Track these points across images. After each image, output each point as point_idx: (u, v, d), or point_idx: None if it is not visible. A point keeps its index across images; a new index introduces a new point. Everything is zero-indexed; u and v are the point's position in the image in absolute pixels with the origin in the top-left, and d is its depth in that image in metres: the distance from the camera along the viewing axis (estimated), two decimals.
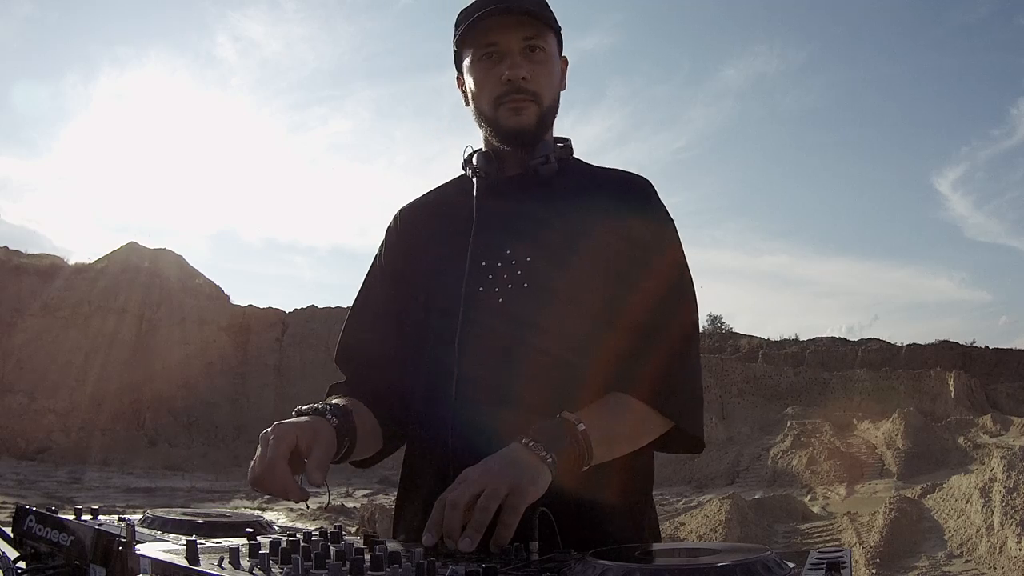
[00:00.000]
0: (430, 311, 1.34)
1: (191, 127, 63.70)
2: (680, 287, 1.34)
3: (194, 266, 25.11)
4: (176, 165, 60.18)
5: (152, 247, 24.30)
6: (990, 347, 28.31)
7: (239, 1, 64.27)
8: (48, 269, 22.82)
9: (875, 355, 27.07)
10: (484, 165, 1.35)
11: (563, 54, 1.40)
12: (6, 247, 22.95)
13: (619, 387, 1.25)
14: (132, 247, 23.93)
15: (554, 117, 1.35)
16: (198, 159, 61.95)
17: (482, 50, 1.31)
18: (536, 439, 1.11)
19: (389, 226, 1.46)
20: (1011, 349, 28.07)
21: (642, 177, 1.38)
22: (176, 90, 57.65)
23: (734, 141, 68.77)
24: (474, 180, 1.36)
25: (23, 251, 23.24)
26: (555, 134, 1.40)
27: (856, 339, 29.64)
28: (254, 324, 24.45)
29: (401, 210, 1.46)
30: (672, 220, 1.37)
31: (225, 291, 25.19)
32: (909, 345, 27.45)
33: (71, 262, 23.58)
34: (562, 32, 1.39)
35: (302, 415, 1.19)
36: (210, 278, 25.17)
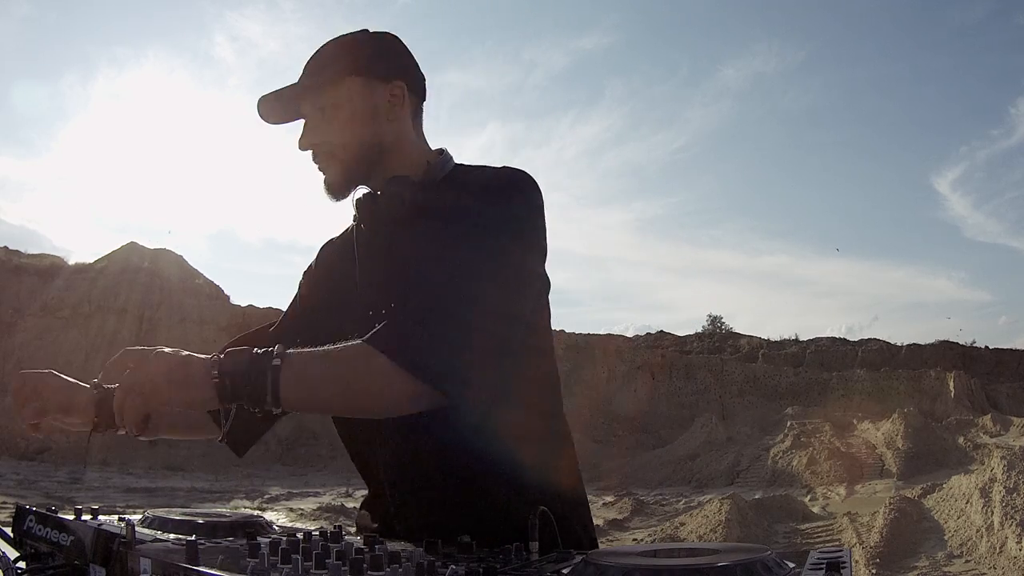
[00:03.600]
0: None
1: (190, 127, 63.72)
2: (467, 253, 1.19)
3: (194, 266, 25.14)
4: (175, 165, 60.14)
5: (152, 247, 24.33)
6: (990, 347, 28.31)
7: (237, 1, 64.35)
8: (48, 269, 22.82)
9: (875, 355, 27.09)
10: (358, 204, 1.38)
11: (395, 80, 1.34)
12: (6, 247, 22.96)
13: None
14: (132, 247, 23.94)
15: (373, 157, 1.32)
16: (197, 159, 61.94)
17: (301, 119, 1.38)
18: (223, 362, 1.08)
19: (324, 246, 1.53)
20: (1011, 349, 28.11)
21: (508, 172, 1.29)
22: (174, 90, 57.62)
23: (733, 141, 68.77)
24: (355, 223, 1.41)
25: (23, 251, 23.27)
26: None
27: (856, 339, 29.68)
28: (254, 324, 24.05)
29: (324, 244, 1.52)
30: (506, 201, 1.25)
31: (225, 291, 25.21)
32: (909, 345, 27.48)
33: (71, 262, 23.59)
34: (385, 62, 1.35)
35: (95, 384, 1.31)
36: (210, 278, 25.21)
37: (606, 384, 26.09)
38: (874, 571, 8.21)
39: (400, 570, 0.84)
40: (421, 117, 1.39)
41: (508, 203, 1.25)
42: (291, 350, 1.09)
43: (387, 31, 1.39)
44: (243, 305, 24.93)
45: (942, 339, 27.91)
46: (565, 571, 0.88)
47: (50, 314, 21.86)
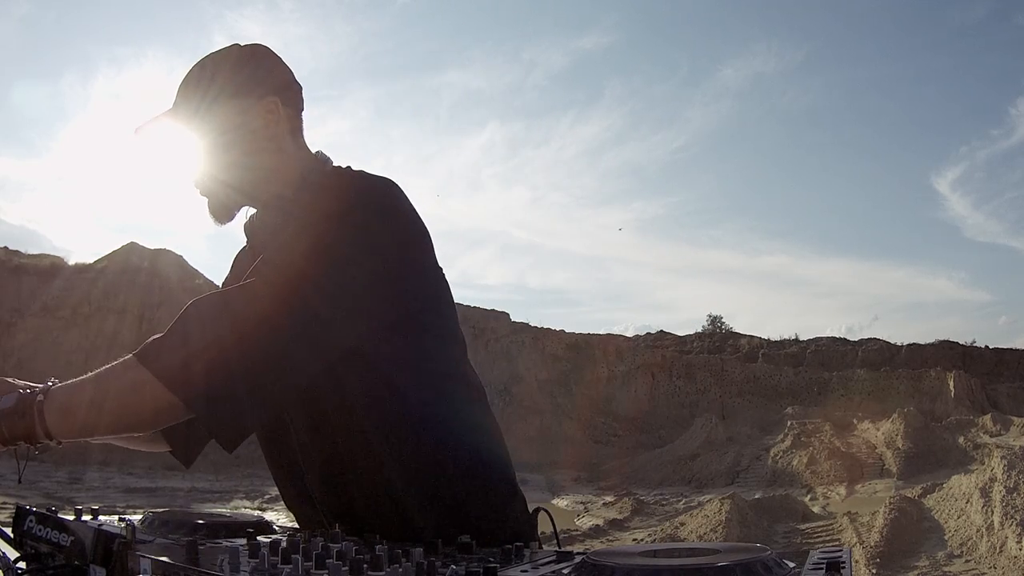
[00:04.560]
0: None
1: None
2: (264, 271, 1.17)
3: (194, 266, 25.15)
4: (175, 165, 60.10)
5: (152, 247, 24.34)
6: (990, 347, 28.32)
7: (236, 1, 64.36)
8: (48, 269, 22.84)
9: (875, 355, 27.10)
10: (245, 228, 1.38)
11: (267, 97, 1.31)
12: (6, 247, 22.97)
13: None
14: (132, 247, 23.95)
15: (254, 176, 1.31)
16: (196, 159, 61.93)
17: None
18: None
19: (235, 257, 1.49)
20: (1011, 349, 28.11)
21: (334, 180, 1.28)
22: (174, 90, 57.57)
23: (733, 141, 68.72)
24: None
25: (23, 251, 23.28)
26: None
27: (856, 339, 29.69)
28: None
29: (236, 255, 1.48)
30: (318, 217, 1.20)
31: None
32: (909, 345, 27.49)
33: (71, 262, 23.61)
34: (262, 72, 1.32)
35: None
36: (210, 278, 25.21)
37: (606, 384, 26.09)
38: (874, 571, 8.21)
39: (400, 570, 0.84)
40: (301, 128, 1.36)
41: (326, 219, 1.20)
42: (65, 382, 1.11)
43: (258, 44, 1.36)
44: None
45: (942, 339, 27.93)
46: (565, 571, 0.88)
47: (50, 314, 21.87)
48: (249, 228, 1.37)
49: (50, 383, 1.12)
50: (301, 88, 1.38)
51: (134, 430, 1.17)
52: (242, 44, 1.36)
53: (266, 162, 1.32)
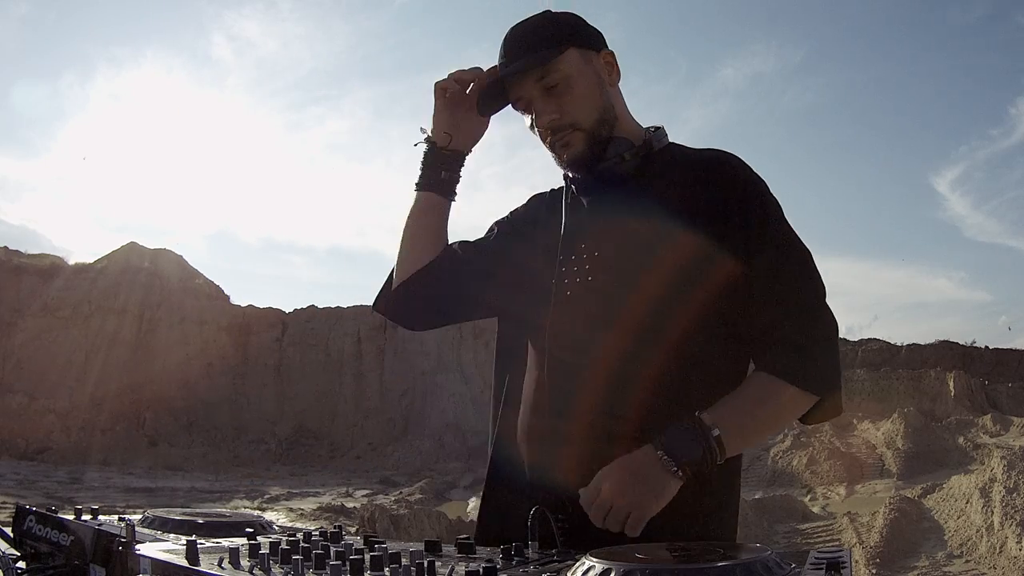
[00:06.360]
0: (522, 302, 1.40)
1: (188, 127, 63.69)
2: (788, 256, 1.32)
3: (194, 266, 25.14)
4: (174, 165, 60.16)
5: (152, 247, 24.33)
6: (990, 347, 28.30)
7: (235, 0, 64.31)
8: (48, 269, 22.84)
9: (875, 355, 27.09)
10: (575, 162, 1.39)
11: (603, 49, 1.38)
12: (6, 247, 22.97)
13: (761, 365, 1.28)
14: (132, 247, 23.95)
15: (611, 122, 1.35)
16: (196, 159, 61.88)
17: (514, 103, 1.38)
18: (668, 450, 1.17)
19: (533, 197, 1.53)
20: (1011, 349, 28.08)
21: (730, 156, 1.36)
22: (173, 90, 57.63)
23: (732, 141, 68.82)
24: (568, 184, 1.42)
25: (23, 251, 23.29)
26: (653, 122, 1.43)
27: (856, 339, 29.64)
28: (254, 324, 24.43)
29: (544, 192, 1.52)
30: (766, 194, 1.34)
31: (225, 291, 25.21)
32: (909, 345, 27.46)
33: (71, 262, 23.62)
34: (582, 29, 1.39)
35: None
36: (210, 278, 25.21)
37: None
38: (874, 571, 8.21)
39: (400, 570, 0.84)
40: None
41: (769, 193, 1.34)
42: (713, 412, 1.21)
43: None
44: (243, 305, 24.97)
45: (942, 339, 27.91)
46: (565, 571, 0.88)
47: (50, 314, 21.86)
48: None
49: (699, 416, 1.21)
50: None
51: (774, 434, 1.30)
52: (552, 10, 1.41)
53: (616, 110, 1.37)
